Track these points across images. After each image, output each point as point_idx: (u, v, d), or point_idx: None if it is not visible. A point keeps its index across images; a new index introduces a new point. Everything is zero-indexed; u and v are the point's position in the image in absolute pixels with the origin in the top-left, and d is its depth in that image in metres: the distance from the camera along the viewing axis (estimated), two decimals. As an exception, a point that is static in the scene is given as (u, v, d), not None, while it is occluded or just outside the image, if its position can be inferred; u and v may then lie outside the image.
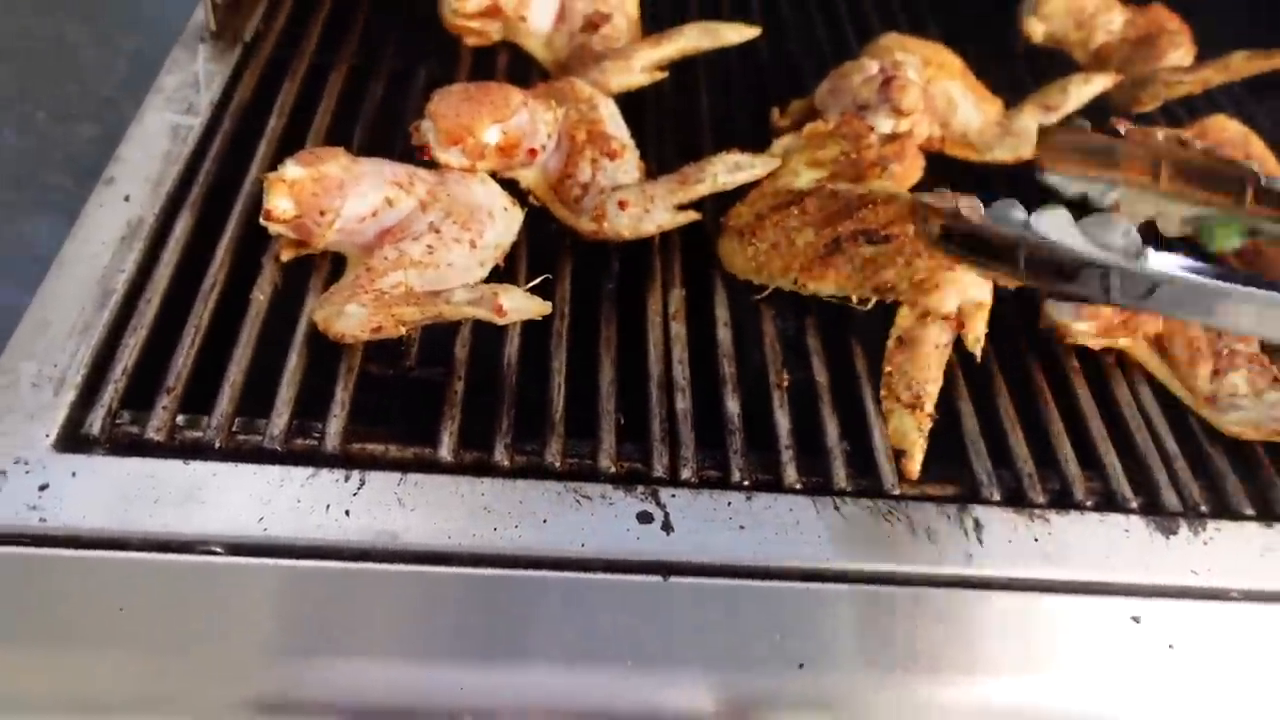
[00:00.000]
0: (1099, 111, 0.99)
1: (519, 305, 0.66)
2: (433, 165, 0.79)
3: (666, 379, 0.72)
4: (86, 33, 1.02)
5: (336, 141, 0.82)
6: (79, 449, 0.62)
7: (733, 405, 0.70)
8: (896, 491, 0.68)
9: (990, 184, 0.95)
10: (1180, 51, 1.07)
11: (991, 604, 0.62)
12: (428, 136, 0.79)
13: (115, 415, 0.64)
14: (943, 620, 0.61)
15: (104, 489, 0.59)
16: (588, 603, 0.59)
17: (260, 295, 0.72)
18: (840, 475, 0.68)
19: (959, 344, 0.75)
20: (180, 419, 0.65)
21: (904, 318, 0.75)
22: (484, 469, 0.65)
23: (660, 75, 0.93)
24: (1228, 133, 0.95)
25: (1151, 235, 0.61)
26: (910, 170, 0.85)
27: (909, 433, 0.70)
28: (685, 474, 0.66)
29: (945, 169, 0.91)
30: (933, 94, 0.94)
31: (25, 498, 0.58)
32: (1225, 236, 0.59)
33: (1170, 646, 0.62)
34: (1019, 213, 0.48)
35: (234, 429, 0.65)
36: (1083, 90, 0.98)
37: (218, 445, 0.63)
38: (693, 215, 0.79)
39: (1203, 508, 0.70)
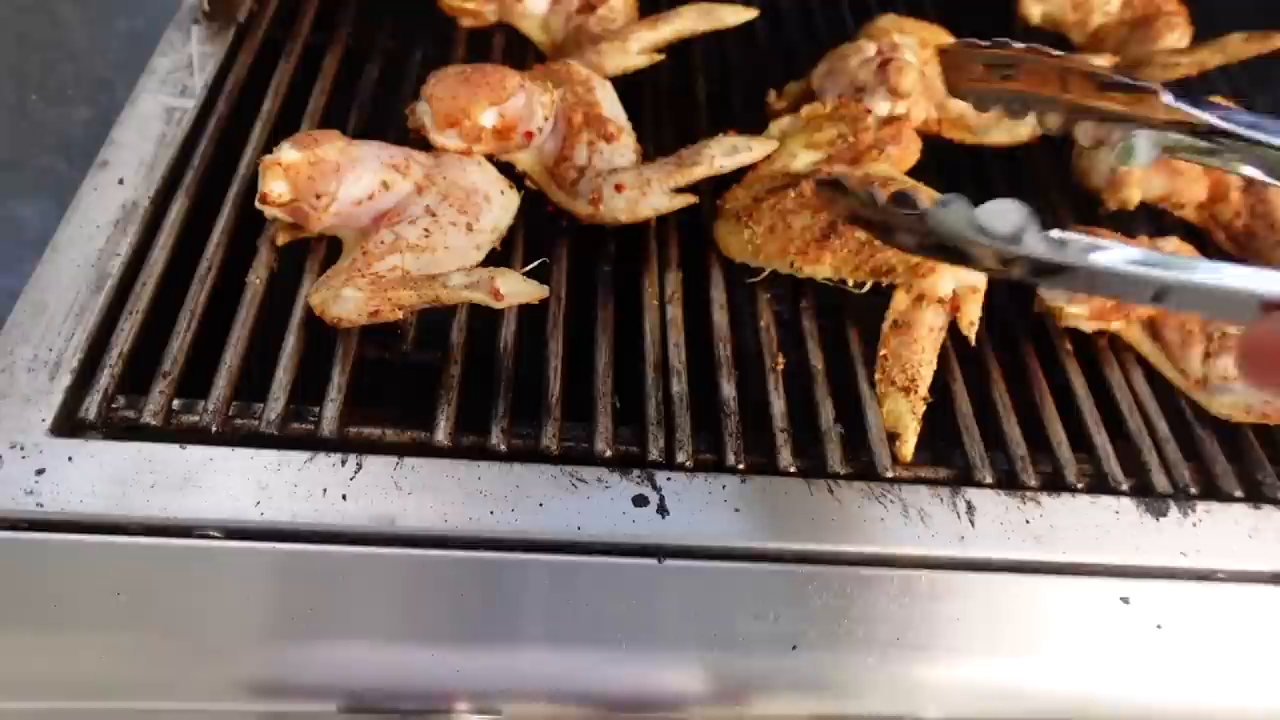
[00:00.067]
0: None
1: (516, 289, 0.66)
2: (428, 147, 0.78)
3: (662, 362, 0.72)
4: (79, 13, 1.02)
5: (332, 123, 0.82)
6: (75, 433, 0.62)
7: (728, 389, 0.71)
8: (890, 474, 0.68)
9: (987, 165, 0.95)
10: (1177, 33, 1.07)
11: (983, 585, 0.63)
12: (423, 119, 0.78)
13: (111, 399, 0.64)
14: (935, 601, 0.62)
15: (101, 474, 0.59)
16: (583, 586, 0.59)
17: (256, 279, 0.72)
18: (835, 458, 0.68)
19: (953, 328, 0.75)
20: (176, 403, 0.65)
21: (899, 301, 0.75)
22: (480, 452, 0.65)
23: (657, 58, 0.92)
24: (1223, 114, 0.95)
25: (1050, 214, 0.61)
26: (907, 152, 0.85)
27: (903, 416, 0.70)
28: (681, 457, 0.66)
29: (942, 151, 0.91)
30: (930, 76, 0.94)
31: (22, 483, 0.58)
32: (1142, 150, 0.59)
33: (1159, 627, 0.63)
34: (921, 201, 0.49)
35: (230, 413, 0.65)
36: (1079, 72, 0.98)
37: (214, 429, 0.63)
38: (690, 199, 0.79)
39: (1192, 490, 0.71)
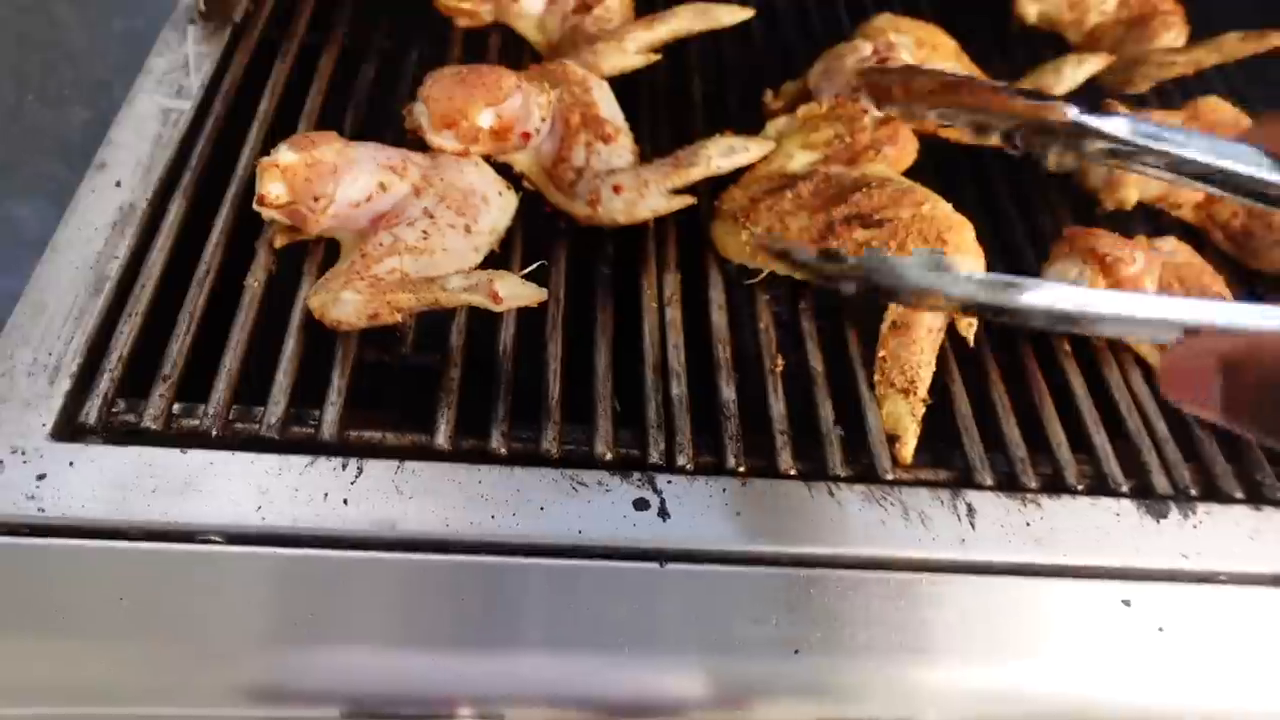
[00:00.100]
0: (1092, 93, 0.99)
1: (515, 292, 0.66)
2: (426, 148, 0.78)
3: (662, 364, 0.72)
4: (76, 14, 1.01)
5: (328, 124, 0.82)
6: (76, 438, 0.62)
7: (728, 391, 0.71)
8: (890, 476, 0.68)
9: (985, 166, 0.95)
10: (1173, 32, 1.07)
11: (984, 588, 0.63)
12: (420, 120, 0.78)
13: (111, 404, 0.64)
14: (936, 604, 0.62)
15: (101, 478, 0.59)
16: (584, 590, 0.59)
17: (255, 281, 0.72)
18: (834, 460, 0.68)
19: (951, 329, 0.76)
20: (176, 407, 0.65)
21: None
22: (481, 456, 0.65)
23: (654, 58, 0.92)
24: (1219, 114, 0.95)
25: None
26: (904, 153, 0.85)
27: (902, 417, 0.71)
28: (681, 460, 0.66)
29: (940, 151, 0.91)
30: (927, 76, 0.94)
31: (23, 488, 0.58)
32: (1057, 157, 0.62)
33: (1160, 629, 0.63)
34: (845, 254, 0.54)
35: (230, 417, 0.65)
36: (1076, 71, 0.98)
37: (215, 434, 0.63)
38: (688, 200, 0.79)
39: (1193, 491, 0.71)
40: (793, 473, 0.67)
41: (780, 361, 0.74)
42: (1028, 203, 0.93)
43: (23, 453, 0.60)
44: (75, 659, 0.55)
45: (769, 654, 0.59)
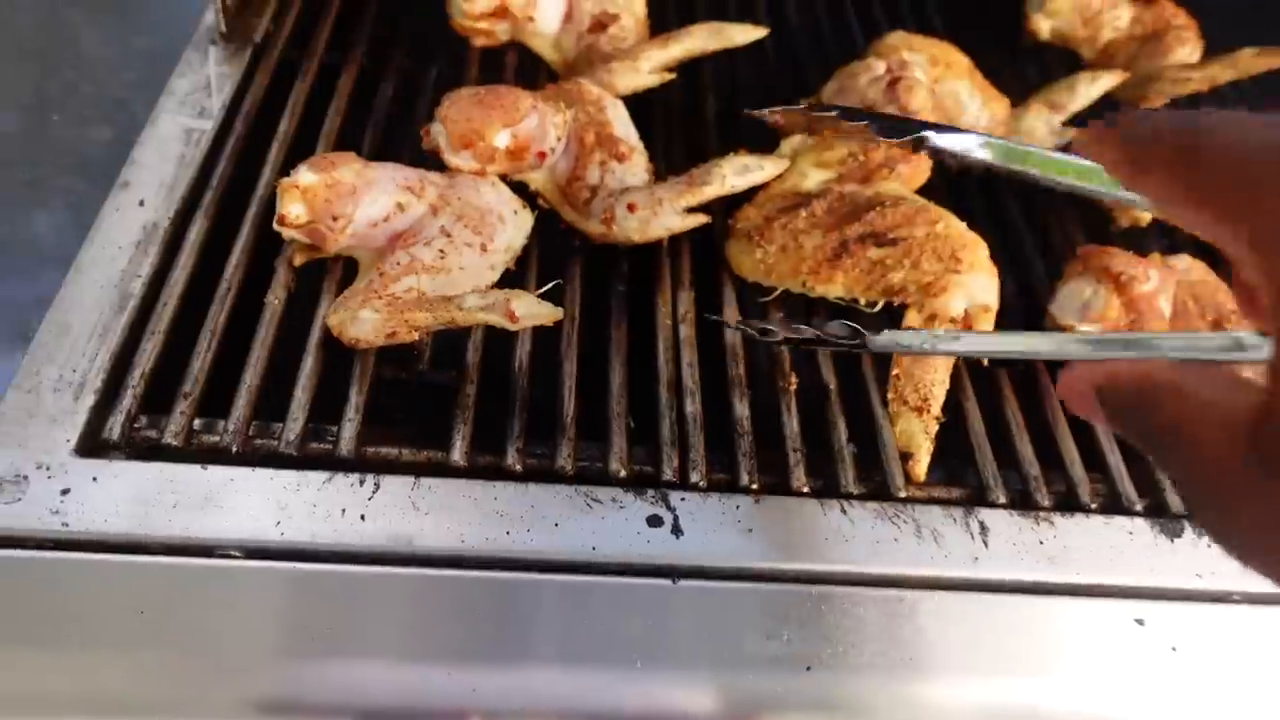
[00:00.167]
0: (1107, 109, 0.99)
1: (531, 311, 0.67)
2: (445, 166, 0.79)
3: (676, 382, 0.72)
4: (98, 34, 1.03)
5: (347, 143, 0.83)
6: (99, 453, 0.63)
7: (741, 408, 0.71)
8: (903, 494, 0.68)
9: (997, 183, 0.96)
10: (1188, 48, 1.07)
11: (996, 606, 0.63)
12: (439, 140, 0.79)
13: (134, 420, 0.65)
14: (948, 622, 0.62)
15: (124, 494, 0.60)
16: (598, 605, 0.60)
17: (274, 299, 0.73)
18: (847, 478, 0.69)
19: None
20: (197, 423, 0.66)
21: (911, 321, 0.75)
22: (496, 472, 0.65)
23: (668, 76, 0.93)
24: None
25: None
26: (918, 171, 0.85)
27: (916, 435, 0.71)
28: (694, 477, 0.66)
29: (953, 170, 0.92)
30: (940, 94, 0.94)
31: (48, 503, 0.59)
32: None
33: (1173, 649, 0.63)
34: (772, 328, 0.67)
35: (250, 433, 0.66)
36: (1090, 88, 0.99)
37: (235, 450, 0.64)
38: (702, 218, 0.80)
39: (1206, 510, 0.71)
40: (806, 490, 0.67)
41: (794, 379, 0.74)
42: (1041, 220, 0.94)
43: (48, 468, 0.61)
44: (96, 671, 0.56)
45: (781, 670, 0.59)
